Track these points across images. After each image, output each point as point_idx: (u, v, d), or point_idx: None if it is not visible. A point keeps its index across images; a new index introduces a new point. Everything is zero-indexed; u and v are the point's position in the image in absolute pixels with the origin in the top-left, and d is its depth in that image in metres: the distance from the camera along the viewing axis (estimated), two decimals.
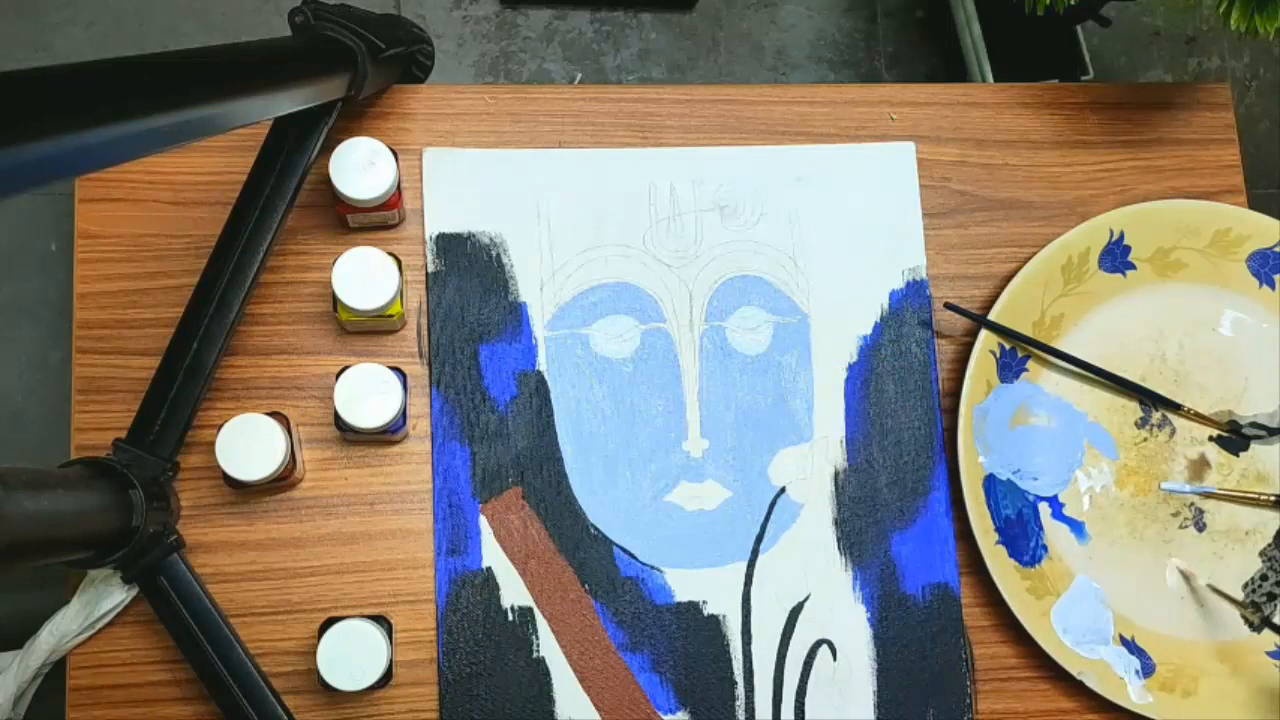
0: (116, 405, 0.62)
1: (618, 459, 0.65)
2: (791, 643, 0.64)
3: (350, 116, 0.67)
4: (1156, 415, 0.69)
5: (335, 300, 0.59)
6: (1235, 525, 0.69)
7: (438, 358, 0.65)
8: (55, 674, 0.60)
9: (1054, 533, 0.67)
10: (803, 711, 0.64)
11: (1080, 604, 0.65)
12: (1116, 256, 0.69)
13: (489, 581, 0.63)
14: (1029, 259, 0.68)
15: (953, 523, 0.67)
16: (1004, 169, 0.72)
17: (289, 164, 0.57)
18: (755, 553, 0.65)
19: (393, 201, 0.62)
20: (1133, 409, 0.69)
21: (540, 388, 0.65)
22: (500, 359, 0.65)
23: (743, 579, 0.65)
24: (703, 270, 0.68)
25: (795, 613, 0.65)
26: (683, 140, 0.70)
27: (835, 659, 0.65)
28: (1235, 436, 0.69)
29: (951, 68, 1.45)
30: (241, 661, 0.57)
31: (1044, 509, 0.67)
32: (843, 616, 0.65)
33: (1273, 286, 0.70)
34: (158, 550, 0.56)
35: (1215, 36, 1.53)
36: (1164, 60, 1.52)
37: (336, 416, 0.59)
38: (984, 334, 0.66)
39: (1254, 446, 0.70)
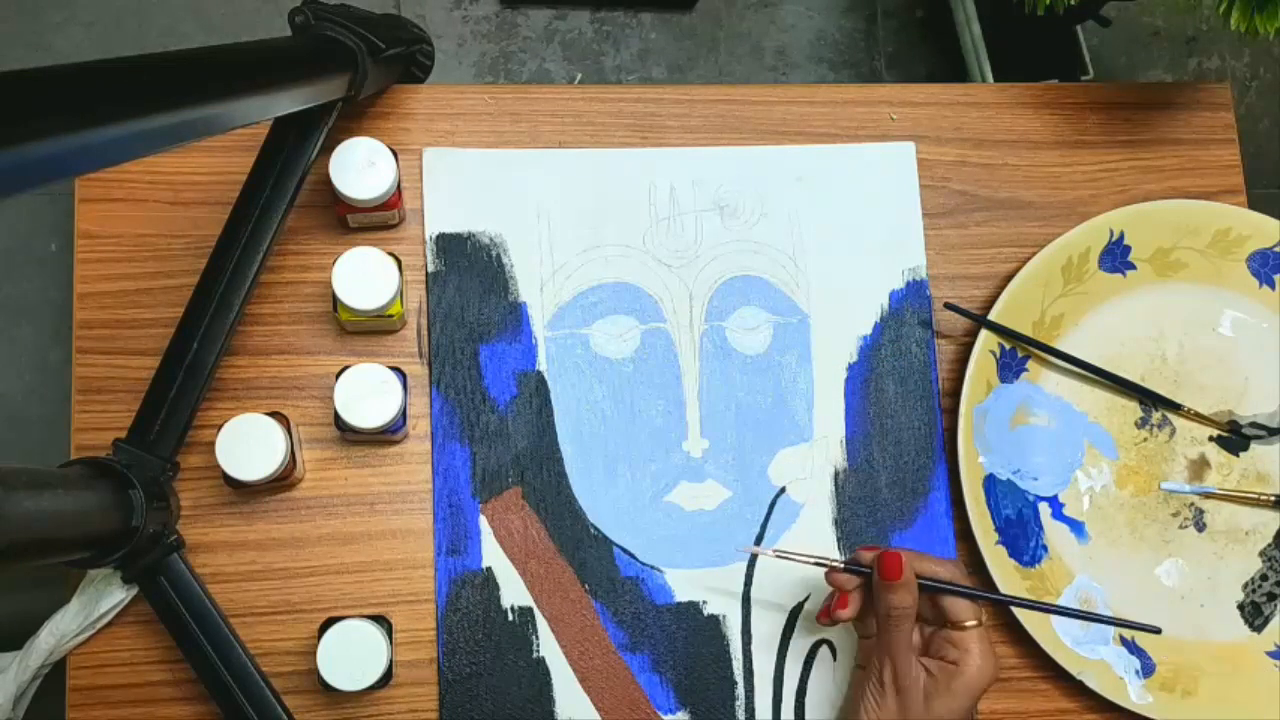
0: (116, 405, 0.62)
1: (618, 459, 0.65)
2: (791, 643, 0.64)
3: (350, 116, 0.67)
4: (1156, 415, 0.69)
5: (335, 300, 0.59)
6: (1235, 525, 0.69)
7: (438, 358, 0.65)
8: (55, 674, 0.60)
9: (1054, 533, 0.67)
10: (803, 711, 0.64)
11: (1080, 604, 0.65)
12: (1116, 256, 0.69)
13: (489, 581, 0.63)
14: (1029, 259, 0.68)
15: (953, 523, 0.67)
16: (1004, 169, 0.72)
17: (289, 164, 0.57)
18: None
19: (393, 201, 0.62)
20: (1133, 409, 0.69)
21: (540, 388, 0.65)
22: (500, 359, 0.65)
23: (743, 579, 0.65)
24: (703, 270, 0.68)
25: (795, 613, 0.65)
26: (683, 140, 0.70)
27: (835, 659, 0.65)
28: (1235, 436, 0.69)
29: (951, 68, 1.45)
30: (241, 661, 0.57)
31: (1044, 509, 0.67)
32: None
33: (1273, 286, 0.70)
34: (158, 550, 0.56)
35: (1215, 36, 1.53)
36: (1164, 60, 1.52)
37: (336, 416, 0.59)
38: (984, 334, 0.66)
39: (1254, 446, 0.70)
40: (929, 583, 0.56)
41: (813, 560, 0.58)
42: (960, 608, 0.55)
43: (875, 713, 0.56)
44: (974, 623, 0.55)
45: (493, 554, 0.63)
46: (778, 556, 0.59)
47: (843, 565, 0.58)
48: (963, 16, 1.37)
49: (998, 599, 0.59)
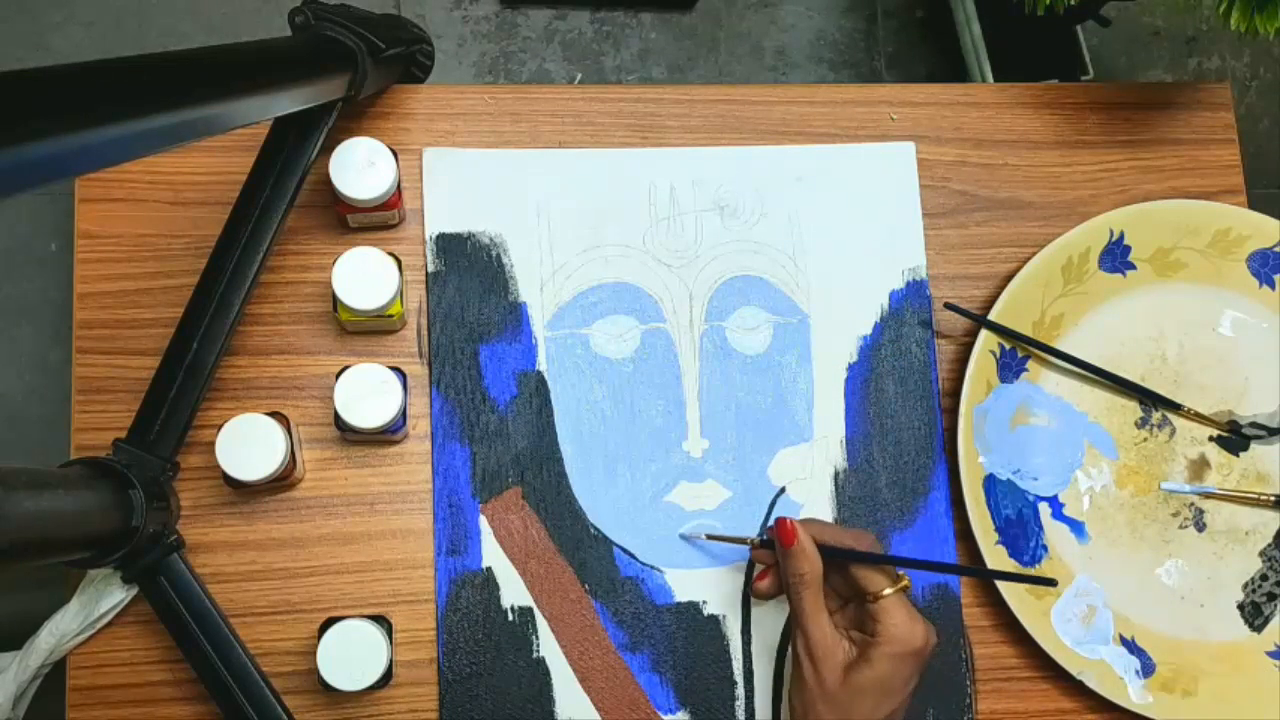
0: (116, 405, 0.62)
1: (618, 459, 0.65)
2: (792, 643, 0.64)
3: (350, 116, 0.67)
4: (1156, 415, 0.69)
5: (335, 300, 0.59)
6: (1235, 525, 0.69)
7: (438, 358, 0.65)
8: (55, 674, 0.60)
9: (1054, 533, 0.67)
10: None
11: (1080, 604, 0.65)
12: (1116, 256, 0.69)
13: (489, 581, 0.63)
14: (1029, 259, 0.68)
15: (953, 523, 0.67)
16: (1004, 169, 0.72)
17: (289, 164, 0.57)
18: None
19: (393, 201, 0.62)
20: (1133, 409, 0.69)
21: (540, 388, 0.65)
22: (500, 359, 0.65)
23: (743, 579, 0.65)
24: (703, 270, 0.68)
25: None
26: (683, 140, 0.70)
27: None
28: (1235, 436, 0.69)
29: (951, 68, 1.45)
30: (241, 661, 0.57)
31: (1044, 509, 0.67)
32: None
33: (1273, 286, 0.70)
34: (158, 550, 0.56)
35: (1215, 36, 1.53)
36: (1164, 60, 1.52)
37: (336, 416, 0.59)
38: (984, 334, 0.66)
39: (1254, 446, 0.70)
40: (833, 552, 0.56)
41: (735, 540, 0.62)
42: (873, 579, 0.55)
43: (798, 685, 0.55)
44: (889, 591, 0.54)
45: (493, 554, 0.63)
46: (709, 539, 0.64)
47: (760, 541, 0.61)
48: (963, 16, 1.37)
49: (897, 562, 0.58)
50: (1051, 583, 0.55)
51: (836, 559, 0.56)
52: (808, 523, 0.58)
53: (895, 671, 0.53)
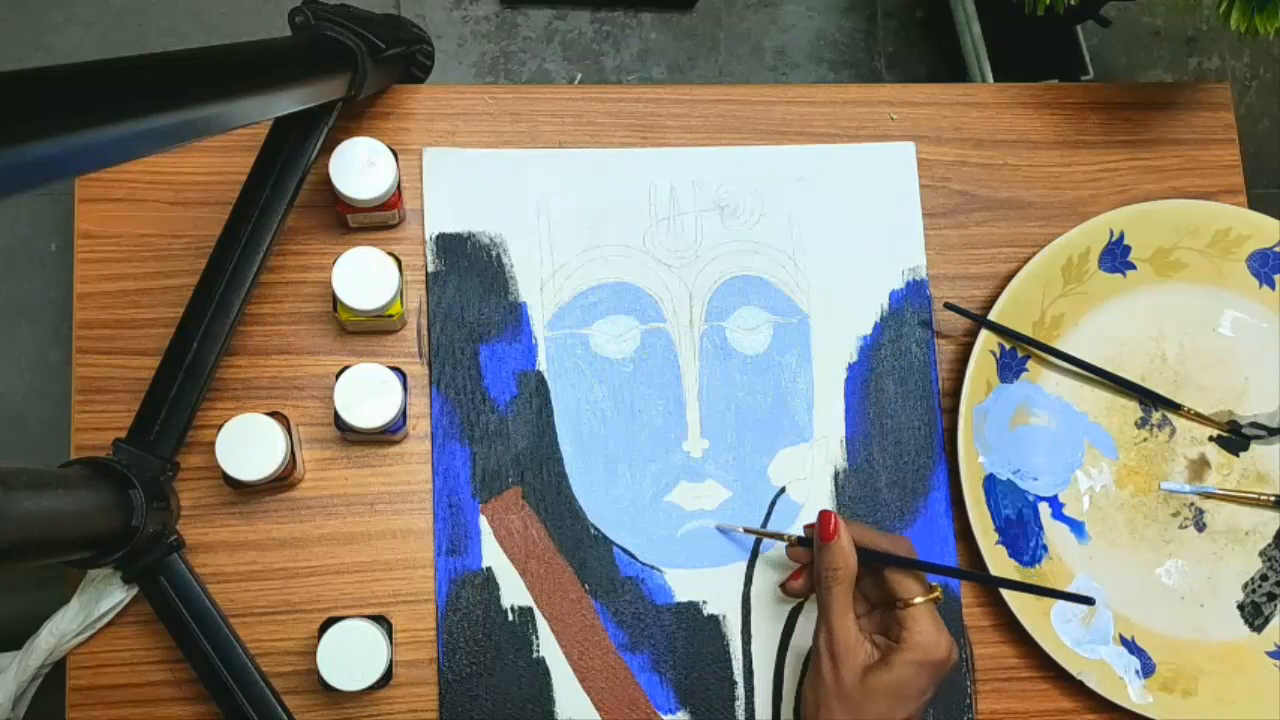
0: (116, 405, 0.62)
1: (618, 459, 0.65)
2: (791, 643, 0.64)
3: (350, 116, 0.67)
4: (1156, 415, 0.69)
5: (335, 300, 0.59)
6: (1235, 525, 0.69)
7: (438, 358, 0.65)
8: (55, 674, 0.60)
9: (1054, 533, 0.67)
10: None
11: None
12: (1116, 256, 0.69)
13: (489, 581, 0.63)
14: (1029, 259, 0.68)
15: (953, 523, 0.67)
16: (1004, 169, 0.72)
17: (289, 164, 0.57)
18: (755, 553, 0.65)
19: (393, 201, 0.62)
20: (1133, 409, 0.69)
21: (540, 388, 0.65)
22: (500, 359, 0.65)
23: (743, 579, 0.65)
24: (703, 270, 0.68)
25: (795, 613, 0.65)
26: (683, 140, 0.70)
27: None
28: (1235, 436, 0.69)
29: (951, 68, 1.45)
30: (241, 661, 0.57)
31: (1044, 509, 0.67)
32: None
33: (1273, 286, 0.70)
34: (158, 550, 0.56)
35: (1215, 36, 1.53)
36: (1164, 60, 1.52)
37: (336, 416, 0.59)
38: (984, 334, 0.66)
39: (1254, 446, 0.70)
40: (869, 554, 0.56)
41: (774, 535, 0.63)
42: (906, 585, 0.55)
43: (815, 681, 0.56)
44: (920, 599, 0.55)
45: (493, 554, 0.63)
46: (746, 533, 0.65)
47: (797, 539, 0.61)
48: (963, 16, 1.37)
49: (934, 569, 0.58)
50: (1089, 601, 0.55)
51: (873, 562, 0.57)
52: (848, 522, 0.58)
53: (913, 679, 0.54)
